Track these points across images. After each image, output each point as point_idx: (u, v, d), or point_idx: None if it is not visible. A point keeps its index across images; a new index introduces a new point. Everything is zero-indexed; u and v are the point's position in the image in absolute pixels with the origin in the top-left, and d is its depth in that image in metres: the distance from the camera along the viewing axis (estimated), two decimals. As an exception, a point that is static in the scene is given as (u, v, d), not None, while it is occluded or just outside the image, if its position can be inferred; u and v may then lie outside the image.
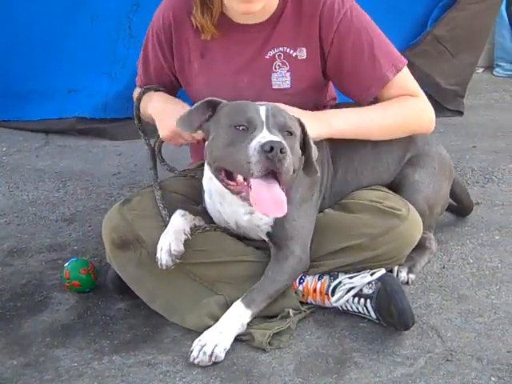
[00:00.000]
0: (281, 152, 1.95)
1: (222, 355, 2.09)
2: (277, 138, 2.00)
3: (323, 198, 2.42)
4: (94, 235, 2.93)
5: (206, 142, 2.21)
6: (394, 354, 2.12)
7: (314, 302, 2.35)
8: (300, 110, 2.31)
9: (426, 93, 4.21)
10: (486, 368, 2.03)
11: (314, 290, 2.33)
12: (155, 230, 2.27)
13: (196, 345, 2.10)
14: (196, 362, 2.08)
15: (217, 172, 2.14)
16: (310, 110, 2.43)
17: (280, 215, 2.04)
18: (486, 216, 2.99)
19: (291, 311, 2.24)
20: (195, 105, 2.20)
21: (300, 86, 2.45)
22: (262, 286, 2.22)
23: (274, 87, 2.44)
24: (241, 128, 2.05)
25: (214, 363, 2.08)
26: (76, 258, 2.57)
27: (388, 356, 2.11)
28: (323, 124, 2.33)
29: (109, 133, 4.15)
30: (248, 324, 2.18)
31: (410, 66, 4.15)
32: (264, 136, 2.00)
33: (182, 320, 2.27)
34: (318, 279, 2.33)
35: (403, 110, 2.44)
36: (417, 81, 4.23)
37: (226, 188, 2.13)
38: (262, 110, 2.08)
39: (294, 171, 2.10)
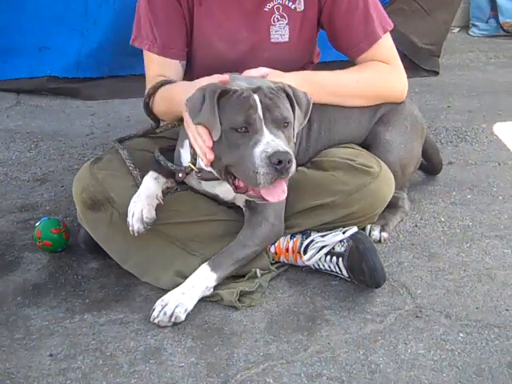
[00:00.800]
0: (288, 162, 1.94)
1: (183, 316, 2.10)
2: (280, 143, 1.97)
3: (297, 155, 2.41)
4: (66, 195, 2.90)
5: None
6: (364, 311, 2.15)
7: (286, 261, 2.36)
8: (286, 74, 2.26)
9: (400, 52, 4.29)
10: (455, 324, 2.07)
11: (287, 250, 2.33)
12: (126, 190, 2.25)
13: (158, 304, 2.11)
14: (156, 321, 2.09)
15: (225, 176, 2.10)
16: (305, 63, 2.46)
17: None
18: (459, 175, 3.00)
19: (258, 271, 2.25)
20: (199, 97, 2.06)
21: (297, 39, 2.43)
22: (230, 249, 2.22)
23: (272, 40, 2.42)
24: (241, 130, 2.00)
25: (185, 322, 2.09)
26: (47, 218, 2.55)
27: (358, 313, 2.14)
28: (305, 82, 2.30)
29: (82, 93, 4.08)
30: (215, 287, 2.19)
31: (386, 25, 4.24)
32: (268, 141, 1.96)
33: (155, 280, 2.27)
34: (291, 238, 2.34)
35: (378, 77, 2.45)
36: (392, 40, 4.28)
37: (234, 190, 2.11)
38: (258, 104, 2.01)
39: None
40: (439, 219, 2.66)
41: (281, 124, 2.03)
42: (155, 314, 2.10)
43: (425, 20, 4.29)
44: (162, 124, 2.46)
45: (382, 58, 2.46)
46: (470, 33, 5.22)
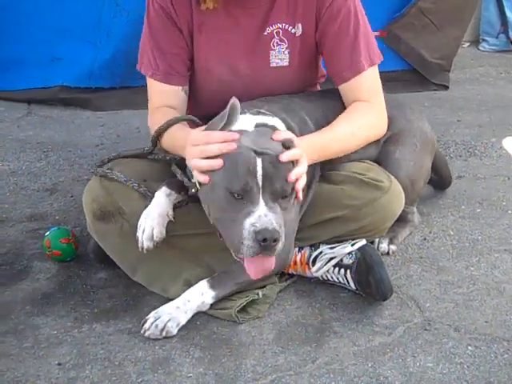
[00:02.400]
0: (274, 241, 1.90)
1: (174, 331, 2.09)
2: (272, 219, 1.90)
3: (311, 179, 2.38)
4: (75, 205, 2.90)
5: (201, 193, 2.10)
6: (372, 323, 2.14)
7: (294, 273, 2.36)
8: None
9: (410, 67, 4.33)
10: (464, 337, 2.06)
11: (295, 262, 2.33)
12: (137, 202, 2.25)
13: (151, 316, 2.11)
14: (146, 334, 2.08)
15: (214, 227, 2.08)
16: (306, 85, 2.45)
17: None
18: (468, 189, 3.00)
19: (260, 292, 2.23)
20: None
21: (298, 63, 2.42)
22: (232, 271, 2.20)
23: (272, 65, 2.40)
24: (237, 196, 1.95)
25: (195, 332, 2.10)
26: (57, 227, 2.55)
27: (367, 325, 2.13)
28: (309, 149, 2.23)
29: (93, 103, 4.10)
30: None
31: (395, 40, 4.27)
32: (260, 215, 1.90)
33: (164, 290, 2.27)
34: (299, 251, 2.34)
35: (368, 124, 2.38)
36: (402, 55, 4.31)
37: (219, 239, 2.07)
38: (259, 171, 1.93)
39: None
40: (448, 233, 2.66)
41: (279, 196, 1.96)
42: (147, 326, 2.10)
43: (435, 35, 4.29)
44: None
45: (364, 91, 2.39)
46: (480, 48, 5.22)
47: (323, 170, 2.40)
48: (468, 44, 5.26)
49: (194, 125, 2.32)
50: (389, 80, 4.02)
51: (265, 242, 1.88)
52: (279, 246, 1.92)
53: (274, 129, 2.11)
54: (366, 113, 2.38)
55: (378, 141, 2.50)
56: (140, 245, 2.16)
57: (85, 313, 2.23)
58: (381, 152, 2.51)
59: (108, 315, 2.22)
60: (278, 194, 1.95)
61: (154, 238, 2.16)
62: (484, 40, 5.23)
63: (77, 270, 2.47)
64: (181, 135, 2.22)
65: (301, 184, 2.01)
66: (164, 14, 2.36)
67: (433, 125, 2.75)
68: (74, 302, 2.29)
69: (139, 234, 2.17)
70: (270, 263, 1.98)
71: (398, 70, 4.35)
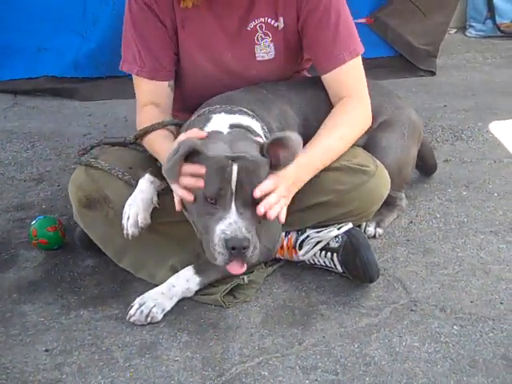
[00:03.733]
0: (243, 248, 1.91)
1: (159, 316, 2.10)
2: (243, 227, 1.90)
3: None
4: (62, 194, 2.90)
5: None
6: (359, 305, 2.15)
7: (281, 257, 2.37)
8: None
9: (397, 54, 4.33)
10: (449, 317, 2.07)
11: (281, 247, 2.34)
12: (122, 189, 2.25)
13: (136, 302, 2.12)
14: (132, 320, 2.09)
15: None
16: (291, 75, 2.45)
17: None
18: (455, 173, 3.01)
19: (246, 278, 2.23)
20: (175, 151, 1.98)
21: (283, 56, 2.41)
22: None
23: (258, 59, 2.39)
24: (210, 200, 1.95)
25: (183, 316, 2.11)
26: (43, 216, 2.55)
27: (354, 308, 2.14)
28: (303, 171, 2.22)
29: (80, 93, 4.09)
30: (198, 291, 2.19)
31: (382, 26, 4.27)
32: (230, 222, 1.90)
33: (151, 276, 2.28)
34: (285, 235, 2.34)
35: (354, 123, 2.36)
36: (389, 41, 4.31)
37: None
38: (234, 177, 1.92)
39: None
40: (434, 215, 2.67)
41: (252, 202, 1.95)
42: (132, 312, 2.10)
43: (422, 21, 4.30)
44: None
45: (346, 83, 2.38)
46: (467, 33, 5.23)
47: None
48: (455, 30, 5.27)
49: (178, 127, 2.34)
50: (376, 66, 4.06)
51: (234, 249, 1.90)
52: (249, 252, 1.92)
53: (248, 129, 2.11)
54: (350, 112, 2.35)
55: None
56: (125, 231, 2.16)
57: (72, 300, 2.23)
58: (369, 139, 2.51)
59: (95, 302, 2.22)
60: (251, 200, 1.94)
61: (139, 223, 2.16)
62: (471, 26, 5.24)
63: (63, 257, 2.47)
64: (159, 148, 2.24)
65: (272, 214, 1.97)
66: (148, 9, 2.36)
67: (420, 110, 2.77)
68: (61, 289, 2.29)
69: (124, 221, 2.17)
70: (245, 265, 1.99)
71: (385, 56, 4.37)
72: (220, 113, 2.16)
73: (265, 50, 2.39)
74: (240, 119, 2.15)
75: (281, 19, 2.37)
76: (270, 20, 2.37)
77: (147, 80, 2.41)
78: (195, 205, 1.99)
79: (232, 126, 2.10)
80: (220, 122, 2.12)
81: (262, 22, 2.37)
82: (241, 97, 2.29)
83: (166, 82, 2.42)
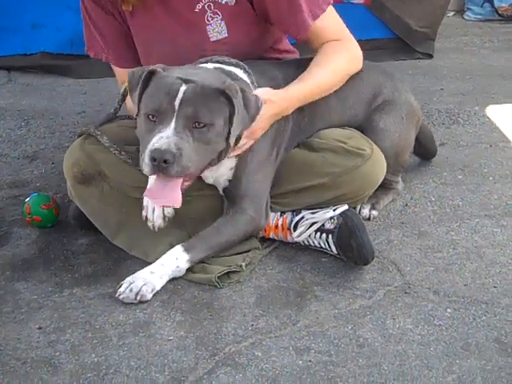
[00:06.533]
0: (165, 162, 1.92)
1: (149, 295, 2.09)
2: (172, 143, 1.93)
3: (284, 149, 2.37)
4: (56, 172, 2.89)
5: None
6: (353, 287, 2.15)
7: (276, 238, 2.36)
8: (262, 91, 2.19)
9: (395, 36, 4.31)
10: (443, 300, 2.07)
11: (276, 226, 2.34)
12: (117, 164, 2.26)
13: (126, 281, 2.11)
14: (121, 297, 2.08)
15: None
16: (264, 52, 2.43)
17: (170, 206, 2.10)
18: (451, 156, 3.00)
19: (244, 265, 2.22)
20: (131, 78, 2.10)
21: (238, 34, 2.36)
22: (205, 234, 2.21)
23: (212, 39, 2.35)
24: (151, 118, 1.99)
25: (175, 296, 2.11)
26: (37, 193, 2.54)
27: (348, 289, 2.14)
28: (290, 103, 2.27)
29: (74, 70, 4.06)
30: (190, 269, 2.18)
31: (380, 7, 4.24)
32: (162, 136, 1.94)
33: (144, 254, 2.28)
34: (280, 215, 2.34)
35: (340, 64, 2.37)
36: (386, 23, 4.28)
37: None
38: (180, 95, 1.97)
39: (221, 153, 2.09)
40: (429, 199, 2.67)
41: (192, 121, 1.98)
42: (121, 289, 2.09)
43: (420, 4, 4.27)
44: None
45: (329, 36, 2.37)
46: (465, 17, 5.20)
47: (304, 137, 2.39)
48: (453, 13, 5.24)
49: None
50: (373, 48, 4.04)
51: (154, 161, 1.93)
52: (173, 169, 1.94)
53: (229, 74, 2.14)
54: (339, 49, 2.36)
55: (367, 105, 2.50)
56: (151, 223, 2.20)
57: (65, 278, 2.23)
58: (367, 120, 2.50)
59: (89, 280, 2.21)
60: (190, 119, 1.98)
61: (166, 214, 2.19)
62: (469, 9, 5.21)
63: (57, 235, 2.46)
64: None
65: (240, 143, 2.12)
66: (95, 3, 2.38)
67: (416, 93, 2.75)
68: (55, 267, 2.28)
69: (149, 213, 2.19)
70: (173, 196, 2.02)
71: (382, 38, 4.34)
72: (206, 63, 2.20)
73: (217, 30, 2.35)
74: (224, 67, 2.19)
75: None
76: None
77: (115, 66, 2.49)
78: (139, 122, 2.05)
79: (216, 68, 2.15)
80: (208, 64, 2.17)
81: (209, 2, 2.32)
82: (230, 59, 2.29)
83: (134, 65, 2.39)
